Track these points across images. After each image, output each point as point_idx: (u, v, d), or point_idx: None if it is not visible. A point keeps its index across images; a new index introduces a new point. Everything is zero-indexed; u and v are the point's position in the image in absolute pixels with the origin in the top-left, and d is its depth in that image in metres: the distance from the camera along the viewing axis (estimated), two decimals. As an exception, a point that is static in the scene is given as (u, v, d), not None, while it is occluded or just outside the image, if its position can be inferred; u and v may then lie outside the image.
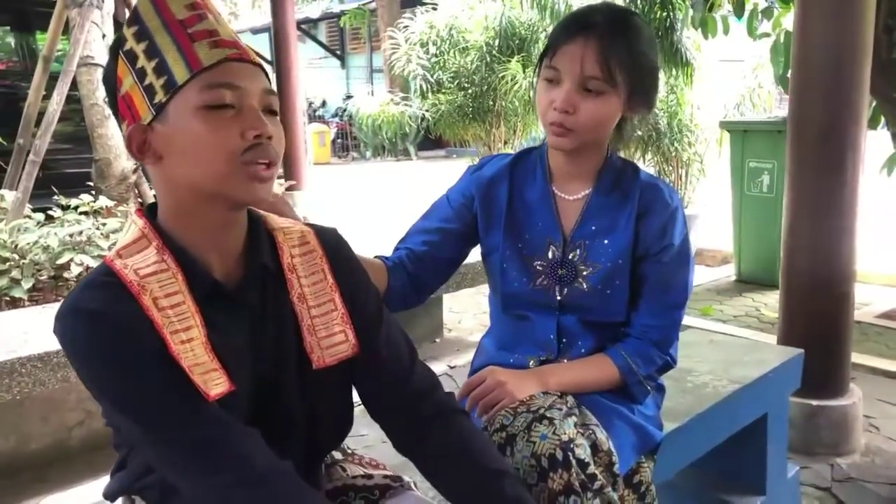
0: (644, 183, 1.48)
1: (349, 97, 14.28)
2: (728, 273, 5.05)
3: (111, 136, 3.62)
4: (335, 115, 17.49)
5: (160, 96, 0.92)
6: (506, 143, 6.52)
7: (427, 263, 1.53)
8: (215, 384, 0.92)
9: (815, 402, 2.53)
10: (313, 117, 16.84)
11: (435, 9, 6.59)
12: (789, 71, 3.70)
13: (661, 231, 1.45)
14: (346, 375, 1.10)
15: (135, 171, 3.64)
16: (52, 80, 3.79)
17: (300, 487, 0.92)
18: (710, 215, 5.57)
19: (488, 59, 6.09)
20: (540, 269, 1.49)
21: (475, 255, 3.40)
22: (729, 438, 1.91)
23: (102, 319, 0.89)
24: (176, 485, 0.93)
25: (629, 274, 1.47)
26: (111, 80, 0.96)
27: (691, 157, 5.38)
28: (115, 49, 0.96)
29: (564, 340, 1.50)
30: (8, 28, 6.22)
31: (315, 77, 18.50)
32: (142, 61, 0.92)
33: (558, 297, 1.49)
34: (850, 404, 2.59)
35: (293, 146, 6.13)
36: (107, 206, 3.25)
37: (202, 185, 0.93)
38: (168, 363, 0.90)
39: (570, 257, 1.48)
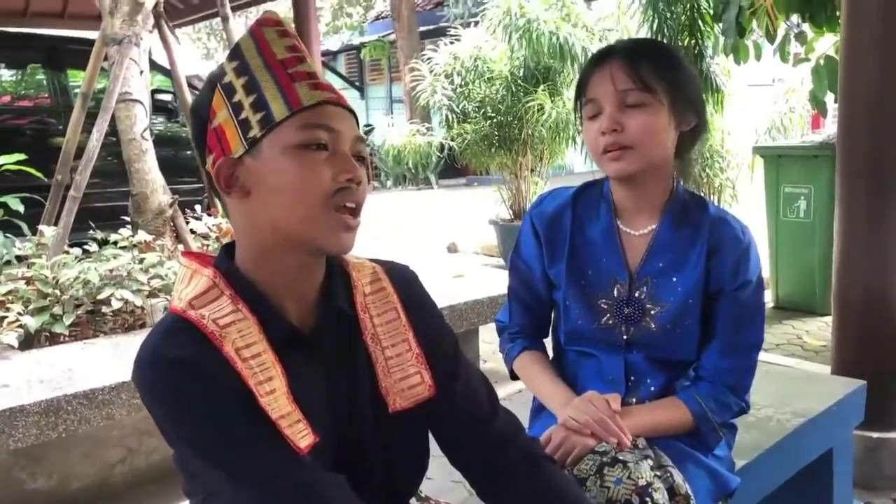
0: (713, 217, 1.43)
1: (368, 127, 14.40)
2: (765, 300, 4.95)
3: (148, 170, 3.64)
4: (355, 145, 17.54)
5: (255, 131, 0.91)
6: (532, 170, 6.50)
7: (540, 321, 1.60)
8: (302, 436, 0.89)
9: (875, 435, 2.44)
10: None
11: (458, 40, 6.62)
12: (827, 95, 3.69)
13: (735, 268, 1.40)
14: (423, 419, 1.06)
15: (171, 205, 3.65)
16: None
17: None
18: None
19: (514, 88, 6.09)
20: (605, 307, 1.45)
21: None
22: (793, 476, 1.85)
23: (188, 367, 0.87)
24: None
25: (700, 313, 1.41)
26: (203, 112, 0.95)
27: (723, 183, 5.33)
28: (213, 81, 0.95)
29: (632, 378, 1.45)
30: (38, 66, 6.34)
31: (335, 108, 18.60)
32: (239, 95, 0.92)
33: (624, 337, 1.44)
34: (911, 436, 2.50)
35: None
36: (145, 241, 3.26)
37: (288, 226, 0.91)
38: (255, 413, 0.88)
39: (636, 295, 1.43)
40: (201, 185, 5.51)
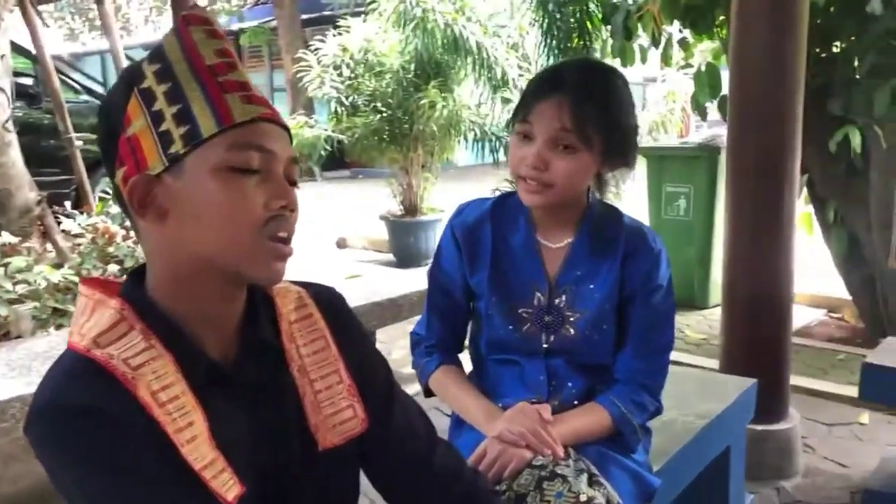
0: (628, 227, 1.48)
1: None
2: (674, 303, 5.15)
3: (12, 164, 3.30)
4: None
5: (178, 147, 0.79)
6: (423, 166, 6.47)
7: (459, 333, 1.57)
8: (228, 488, 0.80)
9: (759, 427, 2.57)
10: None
11: (347, 31, 6.47)
12: (708, 100, 3.87)
13: (647, 274, 1.45)
14: (354, 453, 0.99)
15: (39, 203, 3.33)
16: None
17: None
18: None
19: (404, 83, 6.03)
20: (526, 316, 1.46)
21: (411, 286, 3.28)
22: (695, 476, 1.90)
23: (96, 416, 0.75)
24: None
25: (616, 318, 1.46)
26: (115, 116, 0.82)
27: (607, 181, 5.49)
28: (130, 83, 0.82)
29: (553, 382, 1.47)
30: None
31: (212, 95, 17.84)
32: (160, 104, 0.80)
33: (545, 345, 1.46)
34: (792, 427, 2.66)
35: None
36: (10, 243, 2.95)
37: (213, 254, 0.81)
38: (176, 466, 0.77)
39: (556, 303, 1.46)
40: (68, 177, 5.10)
